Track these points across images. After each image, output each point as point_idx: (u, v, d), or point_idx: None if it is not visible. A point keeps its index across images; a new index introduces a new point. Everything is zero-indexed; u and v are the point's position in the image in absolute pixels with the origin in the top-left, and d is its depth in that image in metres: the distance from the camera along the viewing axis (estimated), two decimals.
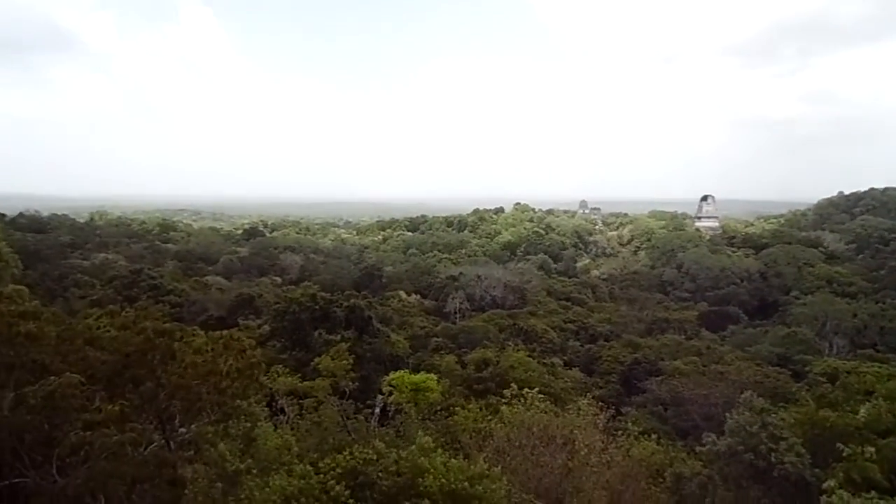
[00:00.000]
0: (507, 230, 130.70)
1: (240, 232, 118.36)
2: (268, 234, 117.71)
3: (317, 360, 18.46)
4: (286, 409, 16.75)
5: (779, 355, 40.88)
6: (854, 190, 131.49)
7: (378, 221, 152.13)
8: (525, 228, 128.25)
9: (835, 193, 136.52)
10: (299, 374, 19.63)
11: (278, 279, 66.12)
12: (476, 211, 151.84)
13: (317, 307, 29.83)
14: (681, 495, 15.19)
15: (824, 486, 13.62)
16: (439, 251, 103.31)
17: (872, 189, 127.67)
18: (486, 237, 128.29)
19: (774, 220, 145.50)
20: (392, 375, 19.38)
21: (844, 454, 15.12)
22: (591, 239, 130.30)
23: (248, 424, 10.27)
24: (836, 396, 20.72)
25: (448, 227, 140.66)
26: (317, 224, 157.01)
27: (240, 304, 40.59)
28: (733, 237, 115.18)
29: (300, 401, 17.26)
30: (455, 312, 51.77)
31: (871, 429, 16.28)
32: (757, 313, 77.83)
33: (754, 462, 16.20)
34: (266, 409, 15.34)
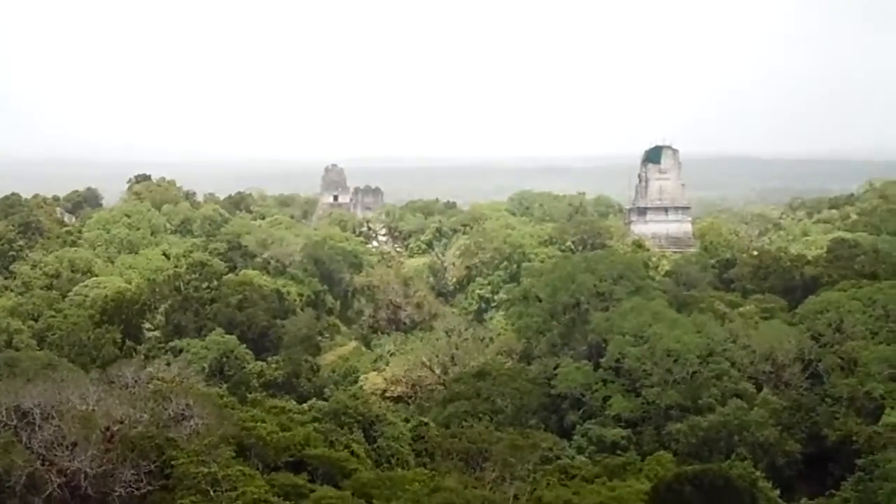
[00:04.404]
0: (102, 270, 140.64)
1: None
2: None
3: None
4: None
5: None
6: None
7: None
8: (161, 257, 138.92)
9: None
10: None
11: None
12: None
13: None
14: None
15: None
16: None
17: None
18: None
19: (832, 213, 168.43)
20: None
21: None
22: (359, 282, 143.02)
23: None
24: None
25: None
26: None
27: None
28: (730, 262, 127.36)
29: None
30: None
31: None
32: (801, 474, 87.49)
33: None
34: None
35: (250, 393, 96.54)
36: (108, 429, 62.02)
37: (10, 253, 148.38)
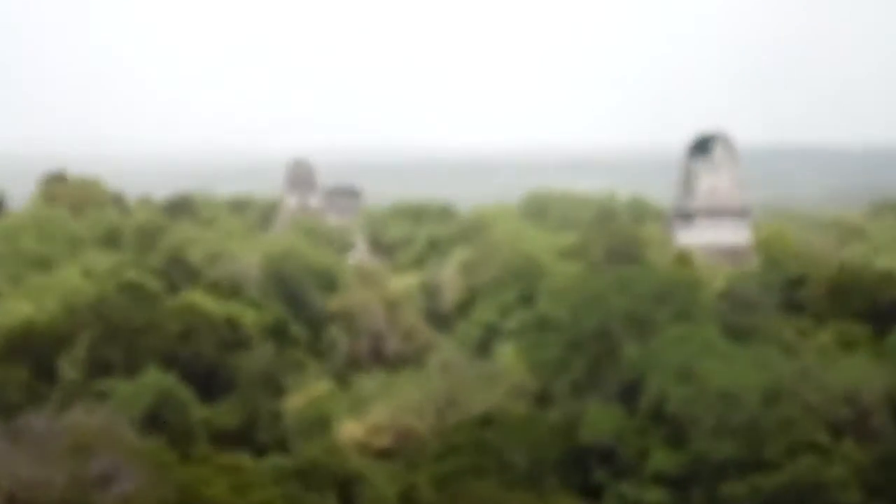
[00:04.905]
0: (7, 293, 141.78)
1: None
2: None
3: None
4: None
5: None
6: None
7: None
8: (82, 277, 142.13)
9: None
10: None
11: None
12: None
13: None
14: None
15: None
16: None
17: None
18: None
19: None
20: None
21: None
22: (333, 306, 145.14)
23: None
24: None
25: None
26: None
27: None
28: (800, 280, 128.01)
29: None
30: None
31: None
32: None
33: None
34: None
35: (195, 447, 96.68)
36: (12, 494, 62.13)
37: None
